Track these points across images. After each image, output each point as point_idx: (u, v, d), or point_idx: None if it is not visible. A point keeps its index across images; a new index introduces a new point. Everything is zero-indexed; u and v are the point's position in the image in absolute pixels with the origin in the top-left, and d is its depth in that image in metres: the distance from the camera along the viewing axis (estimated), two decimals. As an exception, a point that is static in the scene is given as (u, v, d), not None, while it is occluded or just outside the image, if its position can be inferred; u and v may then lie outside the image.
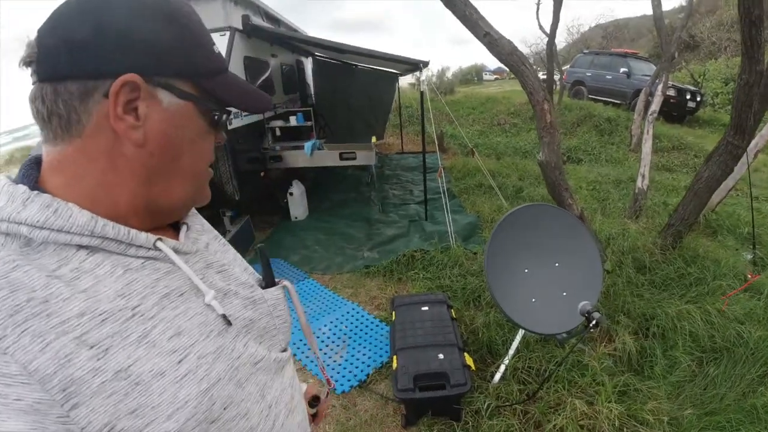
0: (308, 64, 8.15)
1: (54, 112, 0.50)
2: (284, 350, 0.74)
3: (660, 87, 6.53)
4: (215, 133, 0.63)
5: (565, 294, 2.38)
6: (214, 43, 0.60)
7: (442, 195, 4.79)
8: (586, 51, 15.69)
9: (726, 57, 16.81)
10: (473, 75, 28.35)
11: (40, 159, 0.55)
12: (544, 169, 3.14)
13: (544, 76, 11.68)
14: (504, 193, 5.92)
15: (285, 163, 5.51)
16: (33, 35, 0.50)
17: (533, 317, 2.35)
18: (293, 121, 5.99)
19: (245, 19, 4.90)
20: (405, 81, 9.76)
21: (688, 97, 11.44)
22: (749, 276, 3.59)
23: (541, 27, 13.41)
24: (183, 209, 0.63)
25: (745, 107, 3.04)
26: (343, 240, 4.98)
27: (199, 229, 0.69)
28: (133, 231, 0.53)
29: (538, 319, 2.35)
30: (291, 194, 5.55)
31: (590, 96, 13.45)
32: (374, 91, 8.41)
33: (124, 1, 0.51)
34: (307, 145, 5.36)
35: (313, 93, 7.83)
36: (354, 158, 5.49)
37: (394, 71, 8.14)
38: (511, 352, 2.61)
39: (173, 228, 0.66)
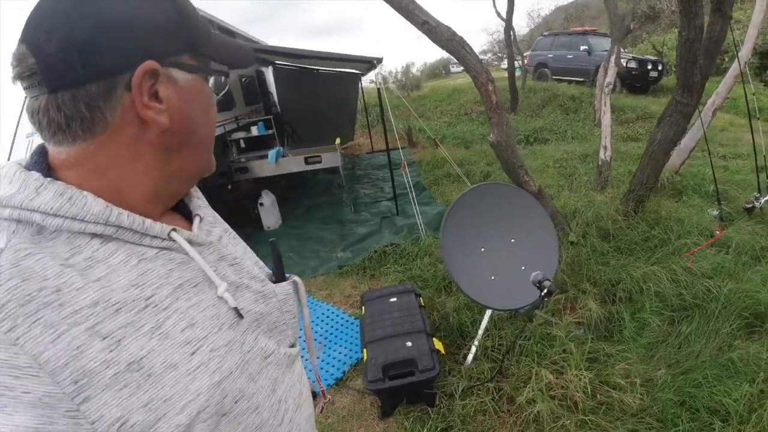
0: (269, 73, 8.10)
1: (74, 117, 0.48)
2: (293, 345, 0.74)
3: (612, 59, 6.62)
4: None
5: (523, 268, 2.40)
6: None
7: (408, 188, 4.80)
8: (545, 33, 15.86)
9: (686, 25, 17.08)
10: (441, 69, 28.45)
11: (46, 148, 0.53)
12: (496, 149, 3.17)
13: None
14: (472, 180, 5.95)
15: (252, 174, 5.47)
16: (15, 47, 0.47)
17: (496, 295, 2.37)
18: (254, 130, 5.96)
19: None
20: (368, 80, 9.76)
21: (649, 67, 11.66)
22: (716, 232, 3.63)
23: (498, 14, 13.39)
24: (193, 180, 0.64)
25: (690, 64, 3.08)
26: (317, 243, 4.95)
27: (211, 221, 0.68)
28: (148, 221, 0.52)
29: (501, 296, 2.37)
30: (261, 204, 5.49)
31: (554, 77, 13.62)
32: (339, 94, 8.40)
33: None
34: (271, 153, 5.33)
35: (277, 101, 7.78)
36: (319, 161, 5.47)
37: (356, 71, 8.15)
38: (481, 332, 2.63)
39: (186, 219, 0.66)
